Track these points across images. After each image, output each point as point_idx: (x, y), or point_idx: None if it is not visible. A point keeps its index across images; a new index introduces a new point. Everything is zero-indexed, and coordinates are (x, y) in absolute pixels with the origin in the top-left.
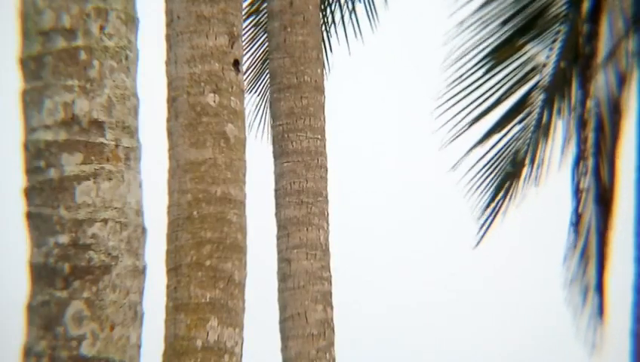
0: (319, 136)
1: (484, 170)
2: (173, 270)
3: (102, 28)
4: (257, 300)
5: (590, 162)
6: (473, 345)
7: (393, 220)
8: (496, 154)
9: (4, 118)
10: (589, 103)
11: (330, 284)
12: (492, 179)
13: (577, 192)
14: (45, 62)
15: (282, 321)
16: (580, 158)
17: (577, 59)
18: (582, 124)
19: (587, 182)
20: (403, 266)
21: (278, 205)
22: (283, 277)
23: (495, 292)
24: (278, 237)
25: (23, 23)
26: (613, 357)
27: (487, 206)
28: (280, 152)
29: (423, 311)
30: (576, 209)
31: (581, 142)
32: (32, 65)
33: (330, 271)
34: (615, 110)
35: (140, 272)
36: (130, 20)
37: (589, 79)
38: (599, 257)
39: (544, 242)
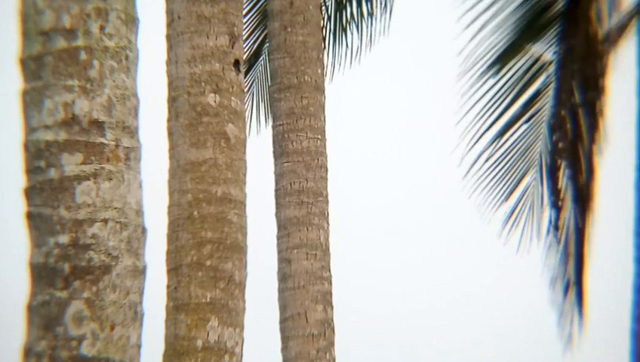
0: (319, 136)
1: (494, 170)
2: (174, 270)
3: (102, 28)
4: (257, 300)
5: (568, 161)
6: (473, 346)
7: (393, 220)
8: (504, 153)
9: (4, 118)
10: (570, 101)
11: (331, 284)
12: (505, 177)
13: (555, 191)
14: (45, 62)
15: (282, 321)
16: (556, 157)
17: (575, 57)
18: (560, 123)
19: (565, 180)
20: (403, 266)
21: (278, 205)
22: (283, 277)
23: (495, 293)
24: (278, 237)
25: (23, 23)
26: (614, 357)
27: (503, 203)
28: (280, 152)
29: (423, 311)
30: (554, 206)
31: (559, 140)
32: (32, 65)
33: (330, 271)
34: (591, 109)
35: (140, 272)
36: (130, 20)
37: (565, 78)
38: (578, 254)
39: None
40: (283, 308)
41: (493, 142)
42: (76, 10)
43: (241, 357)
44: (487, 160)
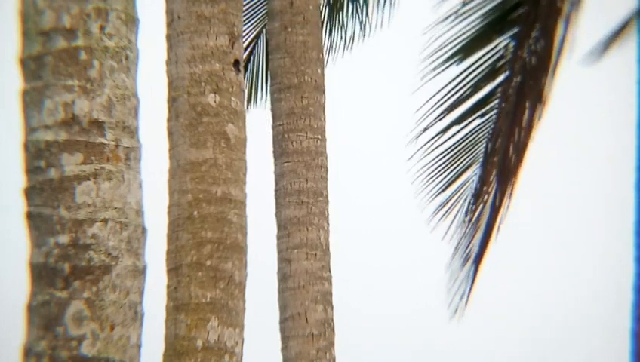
0: (319, 136)
1: (440, 159)
2: (174, 270)
3: (102, 28)
4: (257, 300)
5: (500, 139)
6: (474, 346)
7: (393, 220)
8: (453, 145)
9: (4, 118)
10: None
11: (331, 284)
12: (447, 168)
13: (485, 164)
14: (45, 62)
15: (282, 321)
16: (493, 134)
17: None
18: (503, 101)
19: (495, 157)
20: (403, 266)
21: (278, 205)
22: (283, 277)
23: (495, 293)
24: (279, 237)
25: (23, 23)
26: (614, 357)
27: (440, 194)
28: (280, 152)
29: (424, 311)
30: (480, 180)
31: (498, 116)
32: (32, 65)
33: (330, 271)
34: (536, 92)
35: (140, 272)
36: (130, 20)
37: (517, 56)
38: (486, 229)
39: (545, 242)
40: (283, 308)
41: (444, 131)
42: (76, 10)
43: (241, 357)
44: (435, 148)
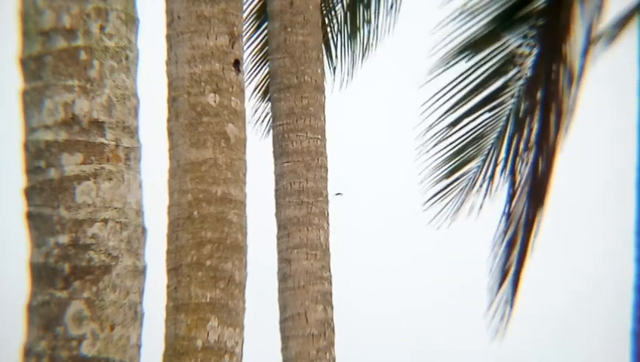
0: (319, 136)
1: (447, 154)
2: (174, 270)
3: (102, 28)
4: (257, 300)
5: (530, 155)
6: (474, 346)
7: (393, 220)
8: (459, 138)
9: (4, 118)
10: (538, 95)
11: (331, 284)
12: (453, 157)
13: (513, 183)
14: (45, 62)
15: (282, 321)
16: (519, 149)
17: (554, 54)
18: (527, 115)
19: (524, 174)
20: (403, 266)
21: (278, 205)
22: (283, 277)
23: None
24: (278, 237)
25: (23, 23)
26: (615, 357)
27: (445, 188)
28: (280, 152)
29: (424, 311)
30: (510, 198)
31: (524, 133)
32: (32, 65)
33: (330, 271)
34: (560, 106)
35: (140, 272)
36: (130, 20)
37: (539, 74)
38: (522, 246)
39: (545, 242)
40: (283, 308)
41: (453, 125)
42: (76, 10)
43: (241, 357)
44: (443, 140)
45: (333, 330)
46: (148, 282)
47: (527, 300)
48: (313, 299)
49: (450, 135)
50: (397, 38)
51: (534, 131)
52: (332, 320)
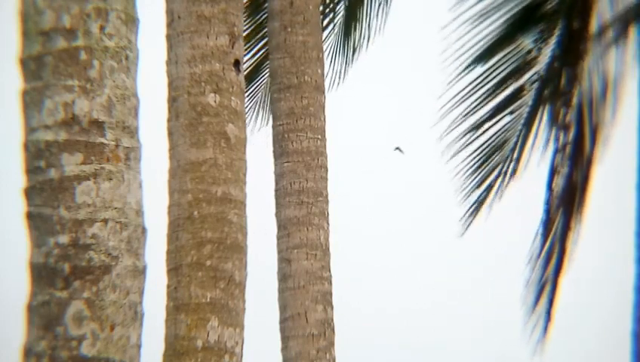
0: (319, 136)
1: (472, 158)
2: (174, 270)
3: (102, 28)
4: (257, 300)
5: (566, 165)
6: (474, 346)
7: (393, 220)
8: (484, 143)
9: (4, 118)
10: (573, 104)
11: (331, 284)
12: (479, 167)
13: (550, 193)
14: (45, 62)
15: (282, 321)
16: (557, 160)
17: (568, 56)
18: (563, 127)
19: (560, 184)
20: (403, 266)
21: (278, 205)
22: (283, 277)
23: (496, 293)
24: (278, 237)
25: (24, 23)
26: (615, 358)
27: (473, 193)
28: (280, 152)
29: (424, 311)
30: (547, 209)
31: (560, 144)
32: (32, 65)
33: (330, 271)
34: (596, 115)
35: (140, 272)
36: (130, 20)
37: (574, 81)
38: (558, 259)
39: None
40: (283, 308)
41: (474, 130)
42: (76, 10)
43: (241, 357)
44: (467, 145)
45: (333, 330)
46: (148, 282)
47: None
48: (313, 299)
49: (472, 141)
50: (400, 40)
51: (569, 142)
52: (332, 320)
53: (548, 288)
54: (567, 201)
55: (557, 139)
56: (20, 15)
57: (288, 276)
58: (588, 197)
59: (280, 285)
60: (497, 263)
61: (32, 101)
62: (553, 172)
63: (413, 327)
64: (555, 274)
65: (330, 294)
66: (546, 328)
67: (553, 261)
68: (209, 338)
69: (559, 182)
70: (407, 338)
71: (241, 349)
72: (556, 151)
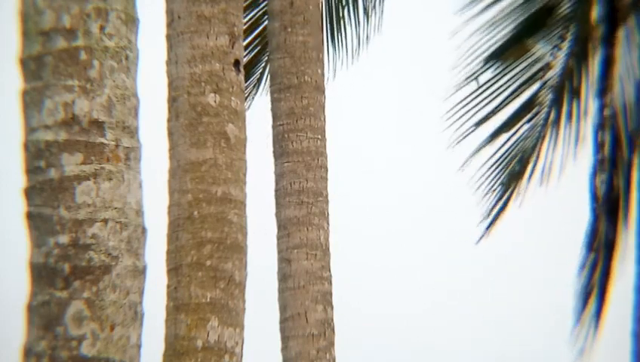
0: (319, 136)
1: (491, 168)
2: (174, 270)
3: (102, 28)
4: (257, 300)
5: (606, 173)
6: (474, 346)
7: (393, 220)
8: (504, 153)
9: (4, 118)
10: (607, 112)
11: (331, 284)
12: (499, 177)
13: (595, 202)
14: (45, 62)
15: (282, 321)
16: (597, 170)
17: (586, 60)
18: (599, 135)
19: (603, 192)
20: (403, 266)
21: (278, 205)
22: (283, 277)
23: (496, 293)
24: (278, 237)
25: (23, 23)
26: (615, 358)
27: (495, 205)
28: (280, 152)
29: (424, 311)
30: (594, 220)
31: (598, 153)
32: (32, 66)
33: (330, 271)
34: (631, 121)
35: (140, 272)
36: (130, 20)
37: (607, 88)
38: (605, 265)
39: (546, 243)
40: (283, 308)
41: (491, 140)
42: (76, 10)
43: (241, 357)
44: (491, 156)
45: (333, 330)
46: (148, 282)
47: (527, 300)
48: (313, 299)
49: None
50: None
51: (607, 150)
52: (332, 320)
53: (595, 297)
54: (610, 209)
55: (596, 145)
56: (19, 15)
57: (288, 276)
58: (633, 204)
59: (280, 285)
60: (497, 263)
61: (32, 101)
62: (594, 179)
63: (414, 327)
64: (602, 285)
65: (330, 294)
66: (593, 334)
67: (598, 271)
68: (209, 338)
69: (602, 192)
70: (407, 339)
71: (241, 349)
72: (596, 164)
